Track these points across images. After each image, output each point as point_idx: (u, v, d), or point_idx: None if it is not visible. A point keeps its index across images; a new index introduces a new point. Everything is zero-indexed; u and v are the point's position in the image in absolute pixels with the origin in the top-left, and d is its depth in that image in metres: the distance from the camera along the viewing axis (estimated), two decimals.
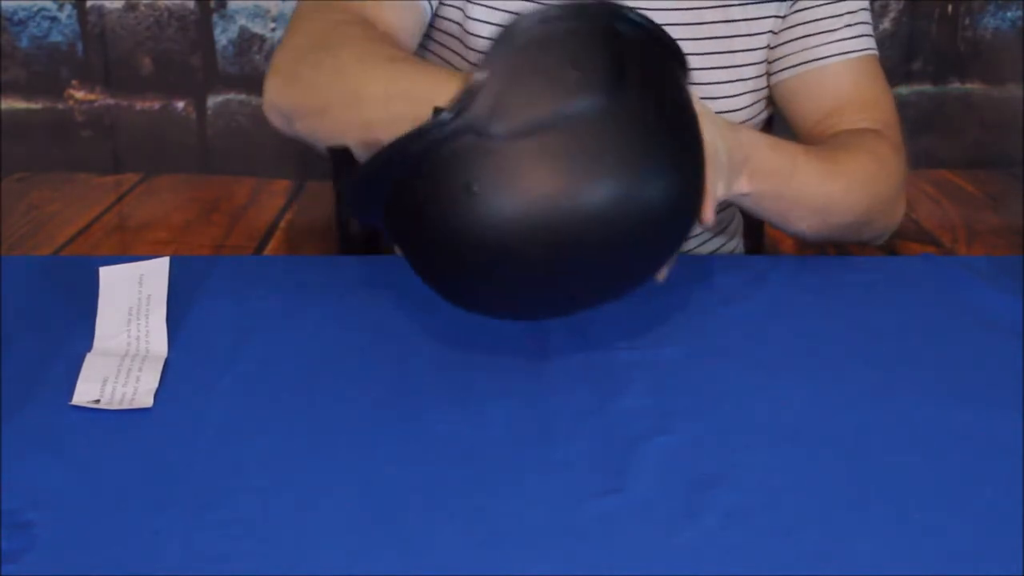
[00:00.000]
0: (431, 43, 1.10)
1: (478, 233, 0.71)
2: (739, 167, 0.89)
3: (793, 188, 0.95)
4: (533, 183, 0.70)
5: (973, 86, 2.46)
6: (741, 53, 1.10)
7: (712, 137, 0.82)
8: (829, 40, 1.10)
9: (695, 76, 1.08)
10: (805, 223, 1.00)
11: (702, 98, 1.08)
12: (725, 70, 1.09)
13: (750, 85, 1.11)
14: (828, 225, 1.01)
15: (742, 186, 0.90)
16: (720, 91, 1.09)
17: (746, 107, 1.11)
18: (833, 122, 1.10)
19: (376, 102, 0.84)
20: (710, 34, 1.08)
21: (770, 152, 0.92)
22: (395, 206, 0.75)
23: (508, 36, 0.70)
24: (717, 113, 1.09)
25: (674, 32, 1.06)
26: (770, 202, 0.95)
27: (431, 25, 1.08)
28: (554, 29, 0.71)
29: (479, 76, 0.70)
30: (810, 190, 0.96)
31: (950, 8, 2.42)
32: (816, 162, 0.97)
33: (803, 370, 0.83)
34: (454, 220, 0.72)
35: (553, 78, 0.70)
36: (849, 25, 1.10)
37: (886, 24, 2.41)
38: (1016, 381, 0.82)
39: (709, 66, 1.08)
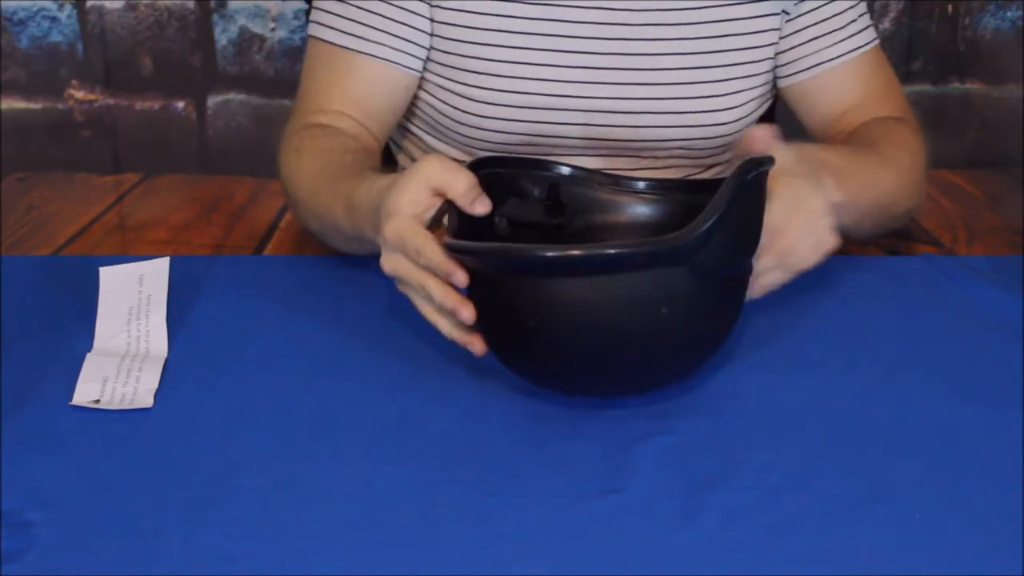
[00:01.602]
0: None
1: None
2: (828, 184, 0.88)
3: (865, 194, 0.94)
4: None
5: (973, 86, 2.46)
6: (733, 52, 1.09)
7: (807, 188, 0.83)
8: (839, 39, 1.10)
9: (683, 76, 1.08)
10: (871, 221, 1.01)
11: (689, 98, 1.08)
12: (716, 69, 1.08)
13: (744, 84, 1.10)
14: (887, 218, 1.04)
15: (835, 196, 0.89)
16: (709, 90, 1.08)
17: (739, 105, 1.10)
18: (852, 119, 1.10)
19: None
20: (697, 34, 1.08)
21: (841, 163, 0.91)
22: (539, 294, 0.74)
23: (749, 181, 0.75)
24: (707, 112, 1.08)
25: (658, 31, 1.06)
26: (849, 210, 0.92)
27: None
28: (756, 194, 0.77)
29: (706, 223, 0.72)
30: (878, 188, 0.97)
31: (950, 8, 2.42)
32: (873, 159, 0.98)
33: (803, 370, 0.83)
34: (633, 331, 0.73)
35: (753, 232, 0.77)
36: (853, 21, 1.11)
37: (886, 24, 2.40)
38: (1016, 381, 0.82)
39: (697, 65, 1.08)
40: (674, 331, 0.74)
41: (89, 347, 0.84)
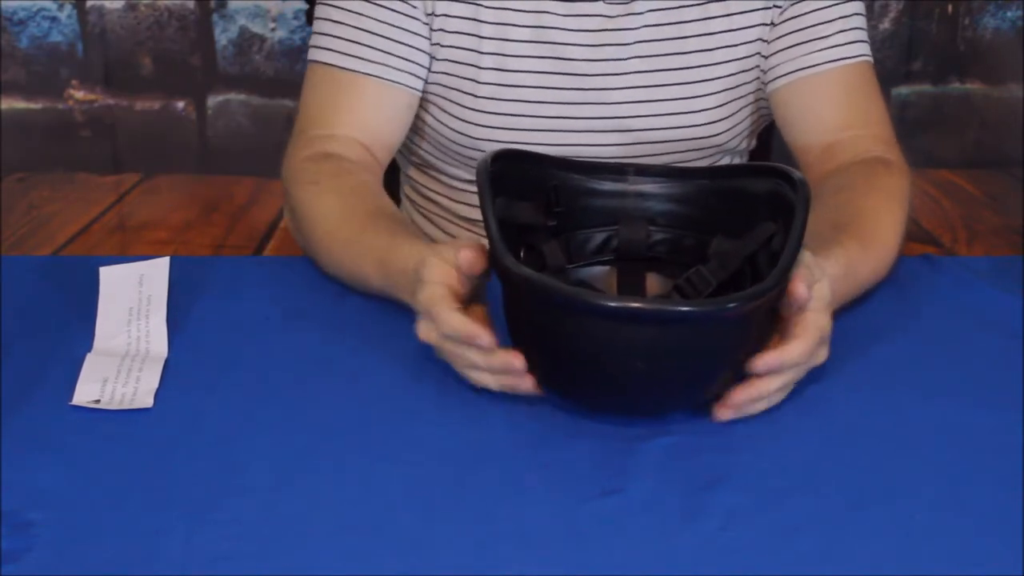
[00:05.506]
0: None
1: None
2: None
3: (856, 286, 0.92)
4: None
5: (973, 86, 2.46)
6: (722, 65, 1.09)
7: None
8: (821, 47, 1.07)
9: (673, 89, 1.08)
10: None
11: (678, 103, 1.07)
12: (705, 83, 1.09)
13: (728, 96, 1.10)
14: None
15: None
16: (699, 104, 1.09)
17: (724, 118, 1.10)
18: (836, 152, 1.06)
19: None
20: (691, 47, 1.08)
21: (843, 281, 0.87)
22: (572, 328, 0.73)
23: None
24: (689, 112, 1.08)
25: (657, 48, 1.06)
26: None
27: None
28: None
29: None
30: (866, 279, 0.94)
31: (950, 8, 2.42)
32: (871, 262, 0.94)
33: None
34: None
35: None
36: (842, 31, 1.07)
37: (886, 24, 2.41)
38: (1016, 381, 0.82)
39: (691, 80, 1.08)
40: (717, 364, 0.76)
41: (89, 347, 0.84)
